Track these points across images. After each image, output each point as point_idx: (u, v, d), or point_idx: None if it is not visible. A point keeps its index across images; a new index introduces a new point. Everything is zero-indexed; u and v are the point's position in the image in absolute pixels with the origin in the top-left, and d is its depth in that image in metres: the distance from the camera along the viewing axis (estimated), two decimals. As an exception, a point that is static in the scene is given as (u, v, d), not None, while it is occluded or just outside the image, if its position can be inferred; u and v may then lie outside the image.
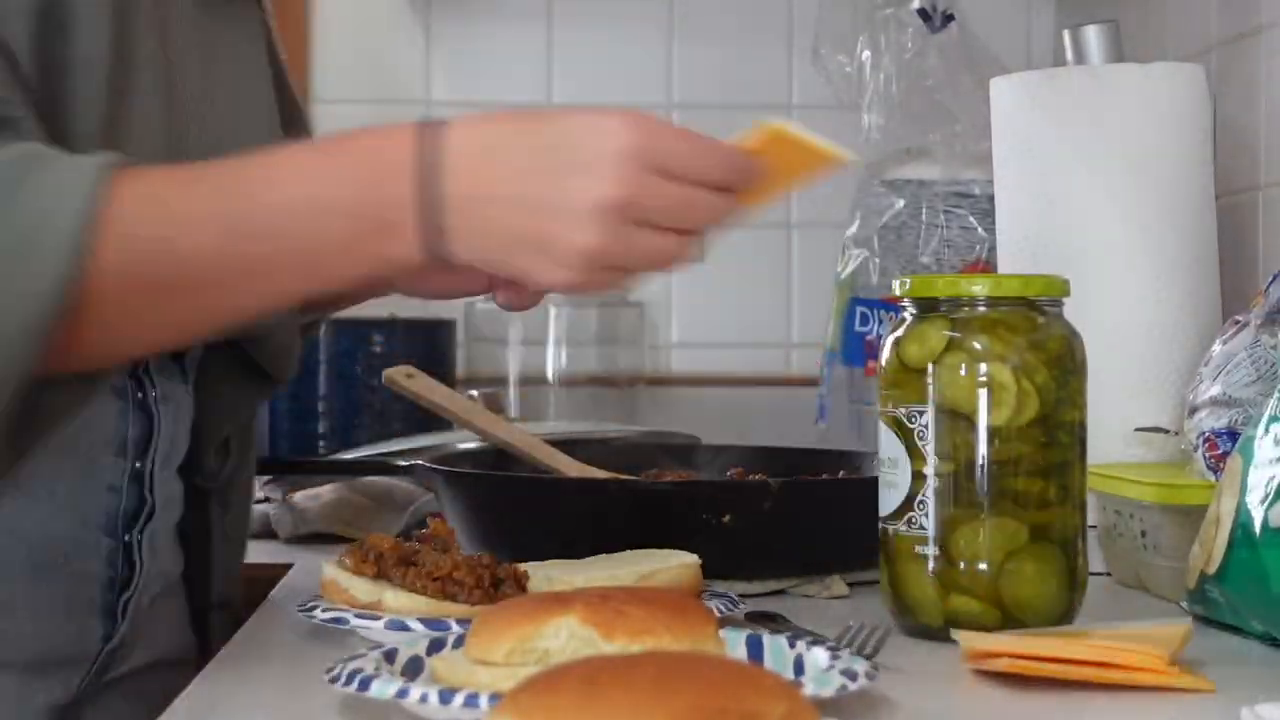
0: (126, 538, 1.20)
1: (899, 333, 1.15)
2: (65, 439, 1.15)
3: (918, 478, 1.12)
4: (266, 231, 1.05)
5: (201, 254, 1.04)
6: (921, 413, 1.12)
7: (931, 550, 1.12)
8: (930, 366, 1.12)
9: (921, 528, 1.12)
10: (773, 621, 1.12)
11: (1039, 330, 1.13)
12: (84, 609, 1.18)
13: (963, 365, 1.12)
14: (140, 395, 1.20)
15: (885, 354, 1.15)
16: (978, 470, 1.11)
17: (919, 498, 1.12)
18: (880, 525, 1.15)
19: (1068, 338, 1.14)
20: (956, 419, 1.12)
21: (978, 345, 1.12)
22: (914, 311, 1.15)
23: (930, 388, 1.12)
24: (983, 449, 1.11)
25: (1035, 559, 1.12)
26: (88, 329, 1.03)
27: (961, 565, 1.11)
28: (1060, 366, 1.13)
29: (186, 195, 1.06)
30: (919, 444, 1.12)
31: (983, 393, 1.11)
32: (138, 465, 1.20)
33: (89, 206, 1.01)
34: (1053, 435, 1.13)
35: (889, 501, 1.14)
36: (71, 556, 1.17)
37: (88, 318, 1.02)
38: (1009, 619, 1.11)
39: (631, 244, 1.04)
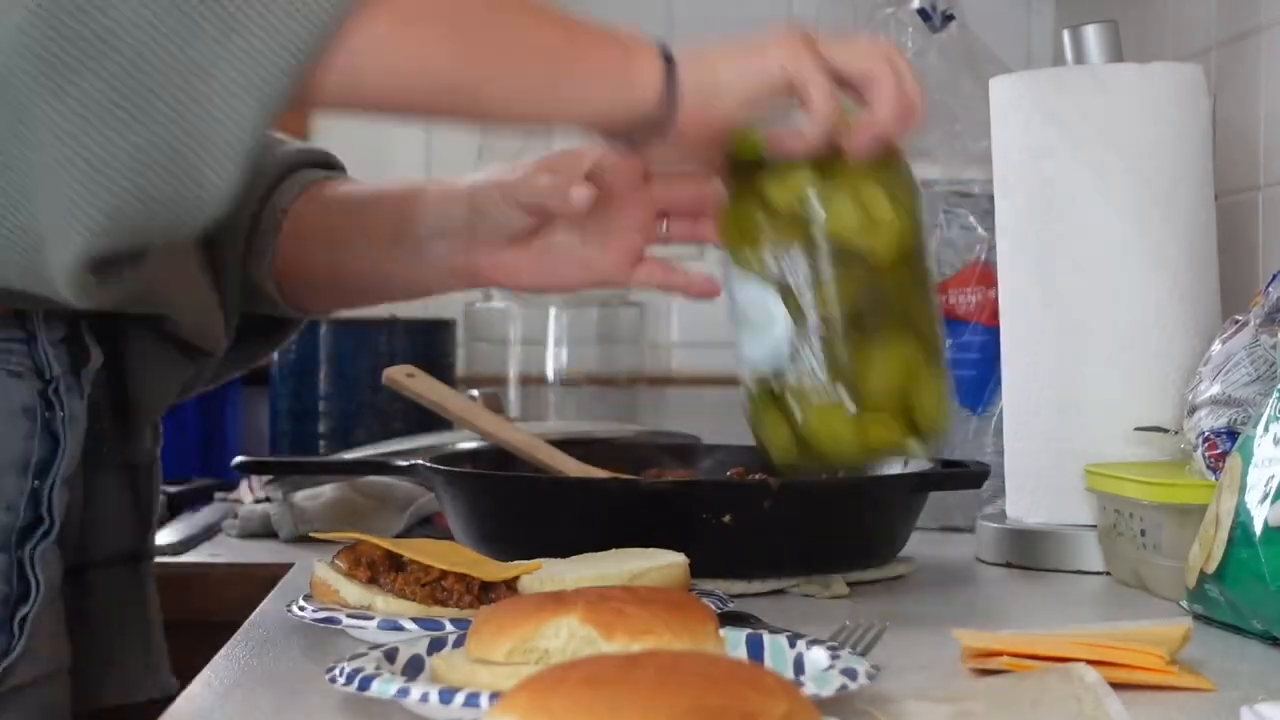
0: (19, 554, 1.19)
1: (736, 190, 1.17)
2: None
3: (800, 321, 1.12)
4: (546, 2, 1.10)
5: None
6: (789, 252, 1.13)
7: (833, 391, 1.12)
8: (810, 201, 1.13)
9: (813, 369, 1.13)
10: (745, 622, 1.11)
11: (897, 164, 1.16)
12: None
13: (848, 198, 1.13)
14: (49, 416, 1.19)
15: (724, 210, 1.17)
16: (874, 299, 1.12)
17: (806, 339, 1.12)
18: (757, 376, 1.16)
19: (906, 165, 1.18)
20: (843, 252, 1.12)
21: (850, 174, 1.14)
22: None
23: (811, 226, 1.12)
24: (873, 279, 1.12)
25: (937, 376, 1.14)
26: (373, 22, 1.02)
27: (876, 393, 1.11)
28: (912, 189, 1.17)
29: None
30: (794, 285, 1.12)
31: (865, 216, 1.12)
32: (36, 484, 1.20)
33: None
34: (925, 264, 1.16)
35: (763, 349, 1.14)
36: None
37: (378, 7, 1.02)
38: (922, 437, 1.12)
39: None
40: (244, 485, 1.91)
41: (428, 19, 1.06)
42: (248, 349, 1.46)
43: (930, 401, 1.12)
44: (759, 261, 1.13)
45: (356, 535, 1.15)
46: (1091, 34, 1.55)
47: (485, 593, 1.12)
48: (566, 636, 0.88)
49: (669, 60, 1.14)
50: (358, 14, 1.01)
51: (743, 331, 1.15)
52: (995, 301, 1.59)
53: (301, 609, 1.12)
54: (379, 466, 1.68)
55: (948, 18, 2.02)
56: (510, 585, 1.12)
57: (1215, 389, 1.30)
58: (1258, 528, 1.08)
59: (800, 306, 1.11)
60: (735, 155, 1.16)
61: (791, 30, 1.17)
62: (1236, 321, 1.33)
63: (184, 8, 0.96)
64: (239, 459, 1.67)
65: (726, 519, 1.29)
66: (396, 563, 1.13)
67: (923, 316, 1.13)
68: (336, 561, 1.15)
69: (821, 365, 1.12)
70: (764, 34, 1.18)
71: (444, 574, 1.11)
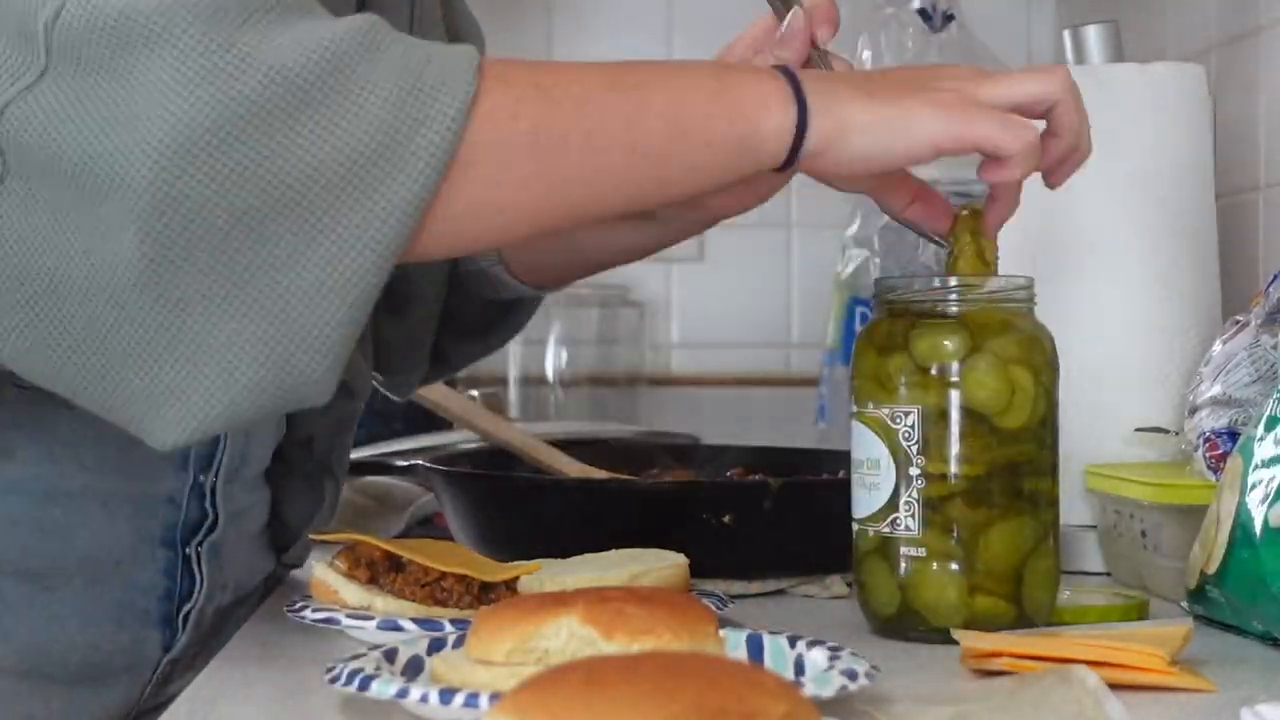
0: (186, 550, 1.19)
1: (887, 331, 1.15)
2: (120, 451, 1.14)
3: (904, 479, 1.12)
4: (643, 80, 1.02)
5: (576, 96, 1.00)
6: (907, 413, 1.12)
7: (915, 551, 1.11)
8: (954, 367, 1.12)
9: (907, 529, 1.12)
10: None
11: (1034, 330, 1.14)
12: (139, 619, 1.18)
13: (991, 365, 1.12)
14: None
15: (863, 351, 1.15)
16: (1002, 472, 1.11)
17: (904, 499, 1.12)
18: (858, 526, 1.15)
19: (1050, 337, 1.16)
20: (977, 421, 1.11)
21: (1001, 343, 1.12)
22: (900, 310, 1.14)
23: (951, 390, 1.11)
24: (1004, 451, 1.12)
25: (1047, 557, 1.13)
26: (460, 189, 0.97)
27: (986, 567, 1.11)
28: (1052, 366, 1.14)
29: (559, 66, 1.04)
30: (904, 444, 1.12)
31: (1008, 395, 1.12)
32: (200, 479, 1.19)
33: (473, 54, 0.98)
34: (1054, 435, 1.14)
35: (869, 503, 1.14)
36: (126, 566, 1.17)
37: (462, 175, 0.96)
38: (1023, 618, 1.11)
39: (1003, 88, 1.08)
40: (244, 485, 1.91)
41: (519, 161, 0.99)
42: (495, 332, 1.47)
43: (1039, 582, 1.12)
44: (882, 415, 1.13)
45: (356, 536, 1.15)
46: (1092, 34, 1.55)
47: (485, 593, 1.12)
48: (566, 637, 0.88)
49: (801, 113, 1.03)
50: (443, 190, 0.96)
51: (855, 478, 1.14)
52: (995, 302, 1.59)
53: (301, 609, 1.12)
54: (379, 467, 1.68)
55: (948, 18, 2.02)
56: (510, 585, 1.12)
57: (1216, 389, 1.30)
58: (1258, 528, 1.08)
59: (919, 467, 1.11)
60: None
61: (957, 79, 1.07)
62: (1237, 322, 1.33)
63: (261, 213, 0.93)
64: (239, 459, 1.66)
65: (726, 519, 1.29)
66: (396, 563, 1.13)
67: (1043, 492, 1.13)
68: (336, 562, 1.15)
69: (932, 529, 1.11)
70: (926, 77, 1.08)
71: (443, 574, 1.11)
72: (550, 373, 2.33)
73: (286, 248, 0.93)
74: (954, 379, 1.11)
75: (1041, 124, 1.09)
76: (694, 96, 1.03)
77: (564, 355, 2.33)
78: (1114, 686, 0.95)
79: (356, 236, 0.94)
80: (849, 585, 1.30)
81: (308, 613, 1.11)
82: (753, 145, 1.04)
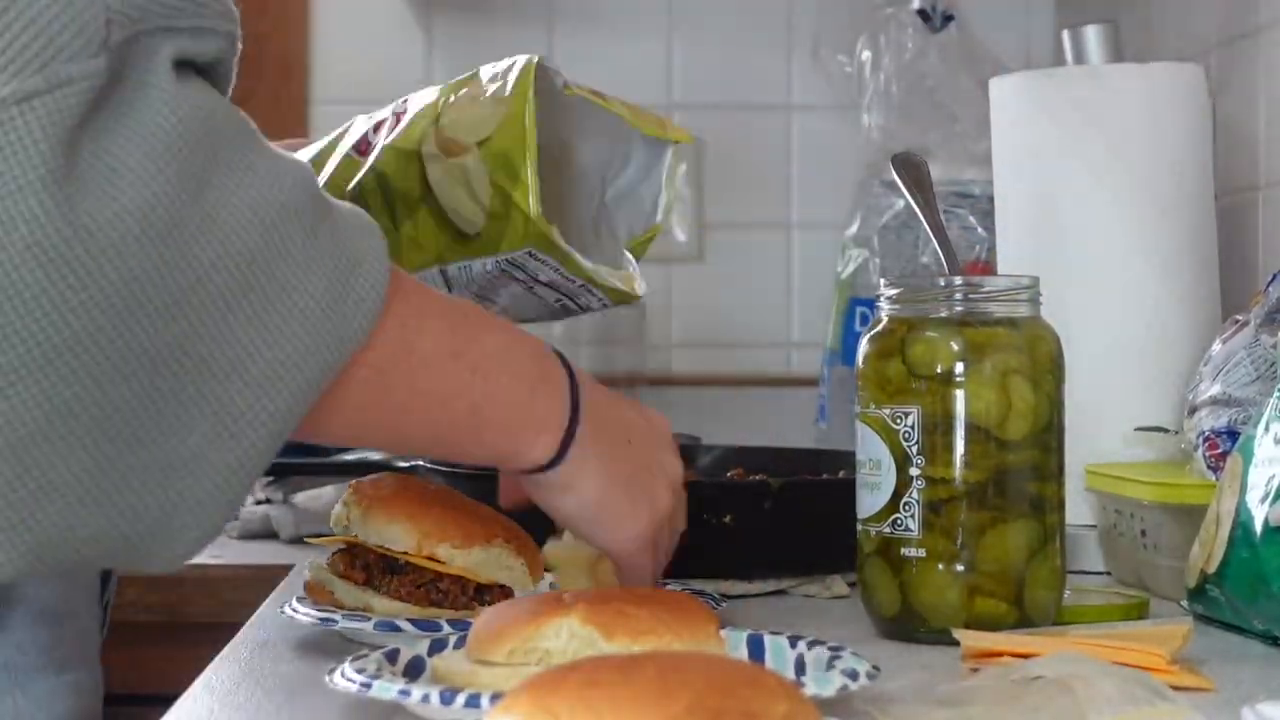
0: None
1: (884, 334, 1.15)
2: None
3: (904, 480, 1.12)
4: (477, 365, 1.03)
5: (428, 355, 1.00)
6: (907, 414, 1.12)
7: (915, 552, 1.12)
8: (952, 371, 1.11)
9: (908, 529, 1.12)
10: None
11: (1037, 331, 1.14)
12: None
13: (988, 377, 1.12)
14: None
15: (866, 352, 1.15)
16: (1004, 477, 1.11)
17: (905, 499, 1.12)
18: (861, 527, 1.15)
19: (1055, 337, 1.15)
20: (976, 429, 1.11)
21: (999, 357, 1.12)
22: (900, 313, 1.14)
23: (955, 397, 1.11)
24: (1005, 457, 1.12)
25: (1052, 559, 1.13)
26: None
27: (987, 569, 1.11)
28: (1056, 370, 1.14)
29: (428, 299, 1.03)
30: (905, 445, 1.12)
31: (1005, 408, 1.12)
32: None
33: (385, 267, 0.95)
34: (1059, 439, 1.14)
35: (871, 503, 1.14)
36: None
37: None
38: (1025, 620, 1.11)
39: (671, 524, 1.14)
40: (244, 486, 1.91)
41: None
42: None
43: (1043, 584, 1.12)
44: (883, 415, 1.13)
45: (350, 539, 1.15)
46: (1091, 34, 1.55)
47: (480, 594, 1.12)
48: (567, 637, 0.88)
49: (564, 448, 1.08)
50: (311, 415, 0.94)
51: (859, 479, 1.15)
52: (995, 301, 1.59)
53: (297, 610, 1.12)
54: (379, 467, 1.68)
55: (948, 18, 2.02)
56: (504, 587, 1.12)
57: (1216, 389, 1.30)
58: (1258, 527, 1.08)
59: (919, 468, 1.11)
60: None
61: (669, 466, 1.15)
62: (1237, 321, 1.33)
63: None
64: (239, 459, 1.66)
65: (726, 519, 1.29)
66: (392, 565, 1.13)
67: (1047, 496, 1.13)
68: (332, 562, 1.14)
69: (932, 531, 1.12)
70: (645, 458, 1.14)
71: (439, 575, 1.11)
72: (550, 373, 2.32)
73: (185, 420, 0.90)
74: (951, 382, 1.11)
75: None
76: (504, 399, 1.05)
77: (564, 355, 2.32)
78: (1114, 686, 0.96)
79: (256, 427, 0.91)
80: (850, 585, 1.31)
81: (304, 613, 1.11)
82: (519, 454, 1.07)
